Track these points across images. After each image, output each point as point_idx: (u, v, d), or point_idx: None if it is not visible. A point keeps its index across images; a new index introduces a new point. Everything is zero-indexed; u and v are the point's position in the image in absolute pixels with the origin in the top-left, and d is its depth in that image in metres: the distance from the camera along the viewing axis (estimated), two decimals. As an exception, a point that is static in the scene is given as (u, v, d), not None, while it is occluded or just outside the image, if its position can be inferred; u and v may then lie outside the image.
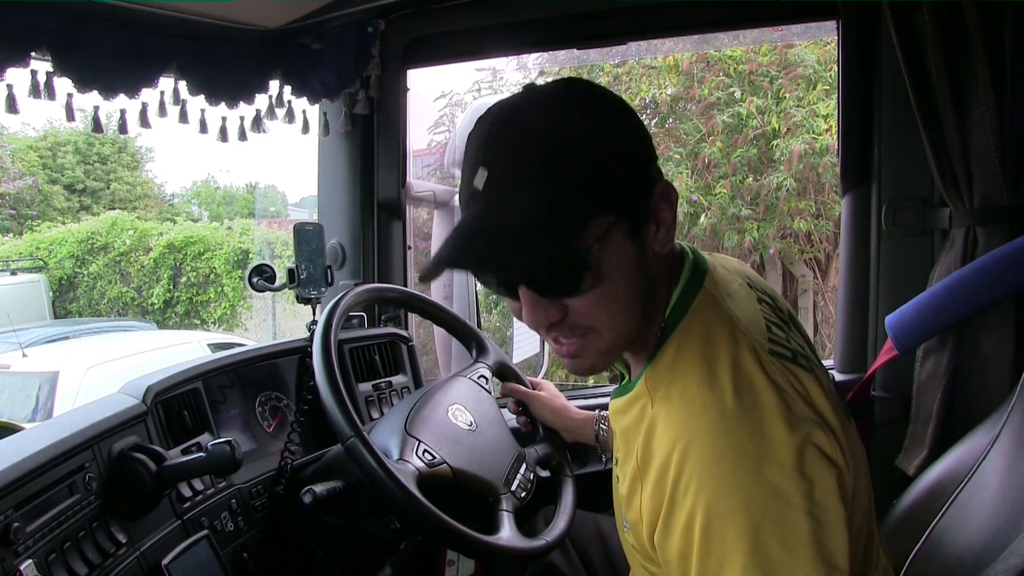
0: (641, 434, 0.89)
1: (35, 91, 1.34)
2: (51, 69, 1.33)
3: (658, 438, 0.85)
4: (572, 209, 0.82)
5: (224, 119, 1.69)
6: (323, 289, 1.70)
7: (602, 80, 6.82)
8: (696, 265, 0.96)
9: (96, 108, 1.50)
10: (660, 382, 0.90)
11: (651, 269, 0.90)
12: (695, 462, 0.80)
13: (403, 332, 1.84)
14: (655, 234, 0.89)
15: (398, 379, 1.76)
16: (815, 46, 5.97)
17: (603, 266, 0.84)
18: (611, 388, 2.33)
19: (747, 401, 0.82)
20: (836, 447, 0.83)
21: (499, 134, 0.84)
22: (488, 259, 0.86)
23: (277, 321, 11.31)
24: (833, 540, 0.77)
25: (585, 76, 6.69)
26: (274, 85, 1.74)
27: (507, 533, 1.23)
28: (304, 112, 1.83)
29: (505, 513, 1.27)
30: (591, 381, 6.33)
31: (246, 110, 1.71)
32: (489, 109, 0.87)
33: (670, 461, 0.81)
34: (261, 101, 1.72)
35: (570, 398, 2.04)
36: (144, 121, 1.54)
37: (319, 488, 1.20)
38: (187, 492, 1.25)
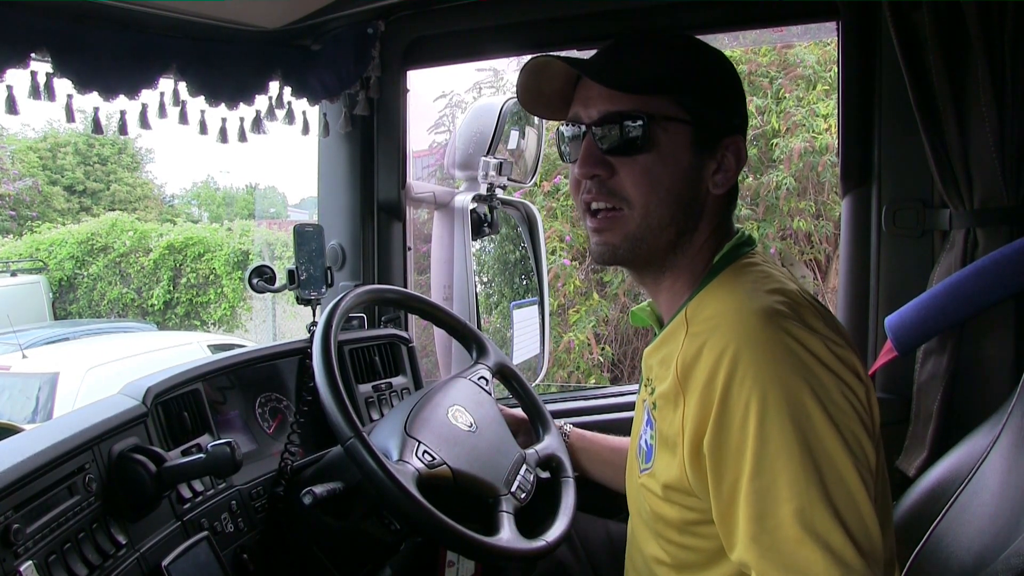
0: (678, 356, 0.92)
1: (35, 92, 1.34)
2: (51, 70, 1.33)
3: (703, 353, 0.89)
4: (659, 82, 0.97)
5: (224, 120, 1.69)
6: (323, 290, 1.70)
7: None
8: (751, 238, 1.05)
9: (96, 109, 1.49)
10: (700, 309, 0.96)
11: (699, 196, 0.99)
12: (748, 361, 0.84)
13: (403, 333, 1.84)
14: (713, 172, 1.00)
15: (398, 380, 1.76)
16: (815, 46, 5.97)
17: (657, 142, 0.96)
18: (611, 388, 2.33)
19: (791, 309, 0.88)
20: (870, 406, 0.91)
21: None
22: (596, 72, 0.99)
23: (277, 322, 11.32)
24: (860, 440, 0.85)
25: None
26: (274, 86, 1.74)
27: (507, 534, 1.23)
28: (304, 113, 1.83)
29: (505, 514, 1.27)
30: (591, 381, 6.34)
31: (246, 111, 1.70)
32: None
33: (720, 365, 0.86)
34: (261, 102, 1.72)
35: (571, 399, 2.05)
36: (144, 122, 1.54)
37: (319, 489, 1.19)
38: (187, 493, 1.25)
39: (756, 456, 0.83)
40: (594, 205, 1.00)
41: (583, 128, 1.00)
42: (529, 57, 1.02)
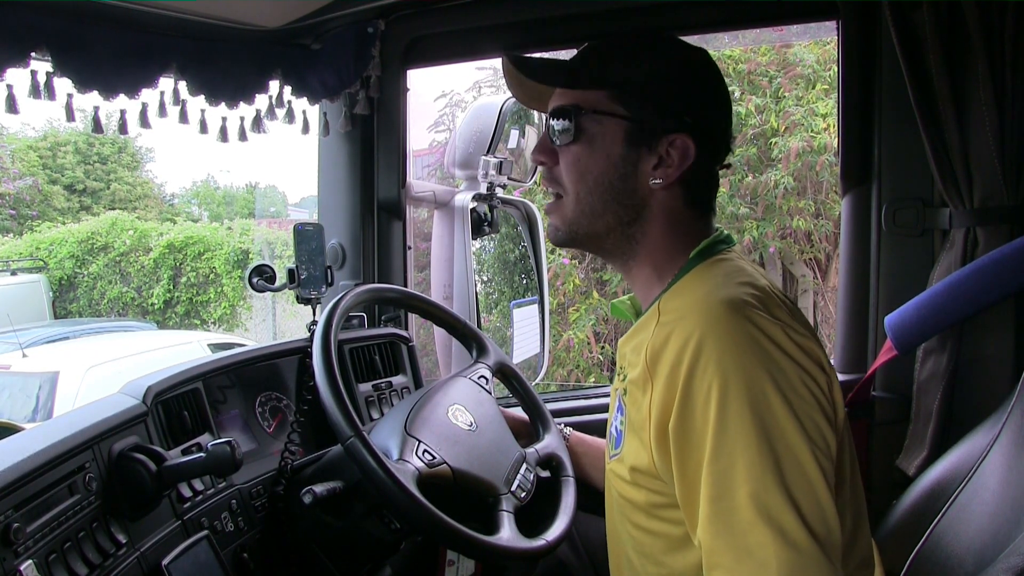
0: (648, 344, 0.95)
1: (35, 91, 1.34)
2: (51, 69, 1.33)
3: (670, 340, 0.91)
4: (595, 78, 1.04)
5: (224, 119, 1.69)
6: (323, 289, 1.70)
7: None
8: (729, 237, 1.09)
9: (96, 108, 1.49)
10: (671, 300, 1.00)
11: (637, 188, 1.04)
12: (711, 347, 0.87)
13: (403, 332, 1.84)
14: (653, 166, 1.03)
15: (398, 379, 1.76)
16: (814, 45, 5.97)
17: (588, 134, 1.03)
18: (609, 388, 2.33)
19: (757, 300, 0.92)
20: (832, 396, 0.94)
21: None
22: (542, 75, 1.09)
23: (277, 321, 11.32)
24: (820, 427, 0.87)
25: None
26: (274, 85, 1.73)
27: (507, 533, 1.23)
28: (304, 112, 1.83)
29: (505, 513, 1.27)
30: (591, 379, 6.34)
31: (246, 110, 1.70)
32: None
33: (685, 351, 0.88)
34: (261, 101, 1.72)
35: (571, 397, 2.05)
36: (144, 121, 1.54)
37: (319, 488, 1.19)
38: (187, 492, 1.24)
39: (716, 440, 0.86)
40: (549, 190, 1.09)
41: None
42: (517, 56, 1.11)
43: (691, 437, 0.88)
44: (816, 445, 0.86)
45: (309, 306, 1.70)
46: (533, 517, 1.38)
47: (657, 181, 1.03)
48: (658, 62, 1.06)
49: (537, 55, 1.14)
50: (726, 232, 1.09)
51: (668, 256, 1.06)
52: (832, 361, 1.85)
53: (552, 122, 1.05)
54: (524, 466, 1.40)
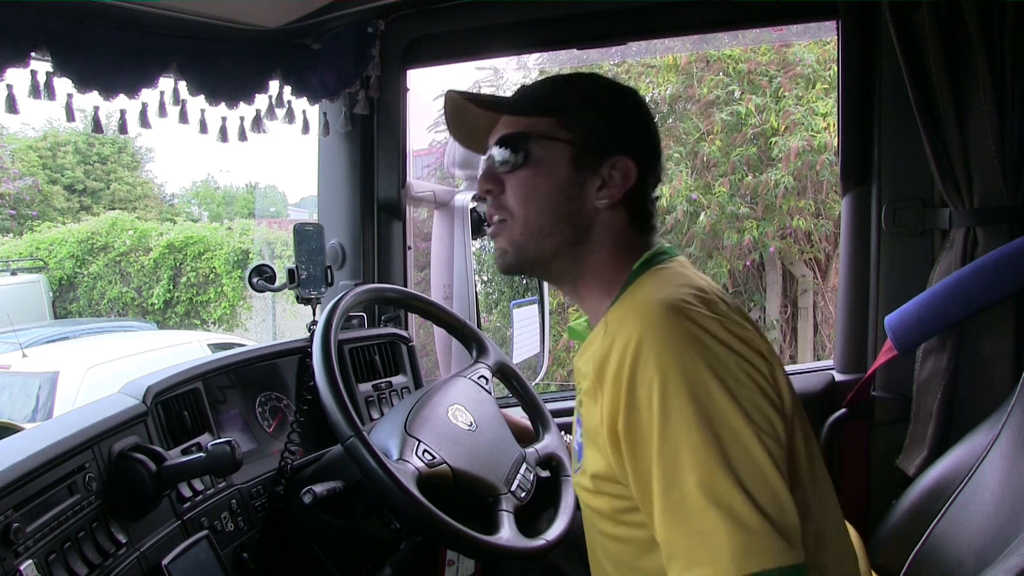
0: (597, 352, 0.98)
1: (35, 91, 1.34)
2: (51, 69, 1.33)
3: (614, 346, 0.94)
4: (541, 106, 1.09)
5: (224, 119, 1.69)
6: (323, 289, 1.70)
7: (602, 79, 6.81)
8: (671, 249, 1.13)
9: (96, 108, 1.49)
10: (616, 310, 1.03)
11: (583, 209, 1.08)
12: (650, 345, 0.90)
13: (403, 332, 1.84)
14: (597, 188, 1.08)
15: (398, 379, 1.76)
16: (814, 45, 5.97)
17: (536, 158, 1.07)
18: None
19: (694, 298, 0.95)
20: (776, 382, 0.96)
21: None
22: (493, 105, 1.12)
23: (277, 321, 11.31)
24: (764, 412, 0.90)
25: (585, 76, 6.69)
26: (274, 85, 1.73)
27: (507, 533, 1.23)
28: (304, 112, 1.83)
29: (505, 513, 1.27)
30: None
31: (246, 110, 1.70)
32: None
33: (627, 352, 0.91)
34: (261, 101, 1.72)
35: (571, 397, 2.05)
36: (144, 121, 1.54)
37: (319, 488, 1.20)
38: (187, 492, 1.24)
39: (661, 433, 0.88)
40: (492, 219, 1.11)
41: (487, 153, 1.13)
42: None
43: (639, 434, 0.91)
44: (761, 428, 0.88)
45: (309, 306, 1.70)
46: (533, 517, 1.38)
47: (602, 202, 1.08)
48: (597, 92, 1.14)
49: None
50: (668, 246, 1.13)
51: (614, 274, 1.09)
52: (832, 361, 1.86)
53: (498, 150, 1.10)
54: (524, 466, 1.40)
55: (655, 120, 1.17)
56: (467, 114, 1.14)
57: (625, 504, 1.00)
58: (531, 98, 1.12)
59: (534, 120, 1.09)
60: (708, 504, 0.84)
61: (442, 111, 1.17)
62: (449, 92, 1.12)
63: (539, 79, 1.22)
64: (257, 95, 1.70)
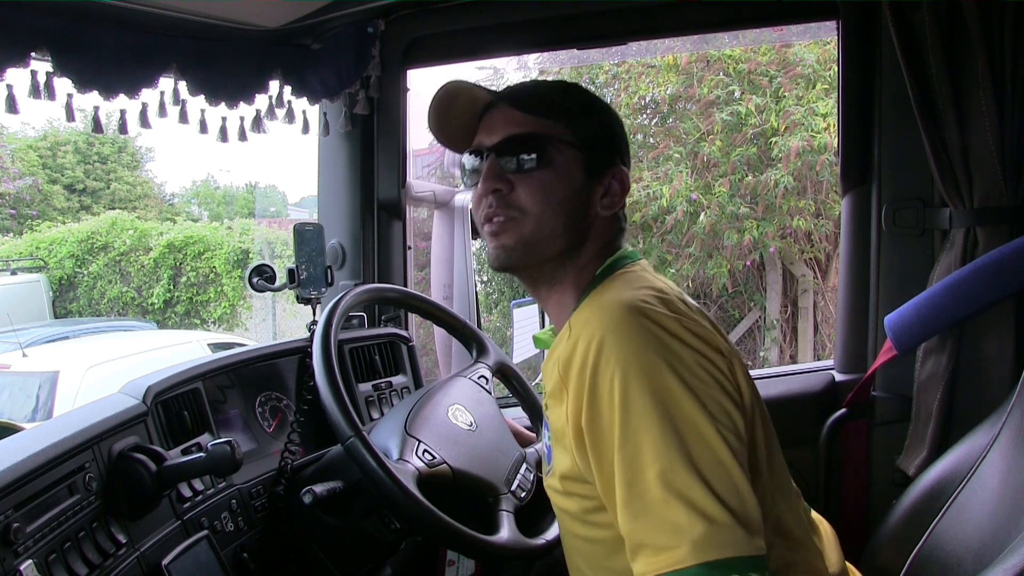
0: (562, 354, 0.99)
1: (35, 91, 1.34)
2: (51, 69, 1.33)
3: (577, 346, 0.96)
4: (556, 109, 1.09)
5: (224, 119, 1.69)
6: (323, 289, 1.70)
7: (601, 78, 6.82)
8: (634, 253, 1.14)
9: (96, 108, 1.49)
10: (580, 314, 1.04)
11: (588, 215, 1.10)
12: (611, 344, 0.92)
13: (403, 332, 1.84)
14: (601, 196, 1.10)
15: (398, 379, 1.76)
16: (814, 45, 5.97)
17: (553, 161, 1.07)
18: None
19: (654, 299, 0.97)
20: (735, 378, 0.98)
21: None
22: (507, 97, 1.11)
23: (277, 321, 11.31)
24: (723, 406, 0.91)
25: (584, 75, 6.70)
26: (274, 85, 1.73)
27: (507, 533, 1.23)
28: (304, 112, 1.83)
29: (505, 513, 1.27)
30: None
31: (246, 110, 1.70)
32: None
33: (589, 352, 0.93)
34: (261, 101, 1.72)
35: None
36: (144, 121, 1.54)
37: (319, 488, 1.20)
38: (187, 492, 1.24)
39: (622, 428, 0.89)
40: (495, 218, 1.10)
41: (486, 151, 1.11)
42: (443, 84, 1.12)
43: (601, 430, 0.92)
44: (720, 423, 0.89)
45: (309, 306, 1.70)
46: (533, 517, 1.38)
47: (606, 211, 1.11)
48: (594, 101, 1.16)
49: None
50: (631, 250, 1.15)
51: (587, 278, 1.11)
52: (832, 361, 1.86)
53: (508, 150, 1.09)
54: (524, 466, 1.40)
55: None
56: (452, 109, 1.14)
57: (592, 504, 1.01)
58: (542, 100, 1.12)
59: (545, 122, 1.09)
60: (669, 496, 0.85)
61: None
62: (451, 81, 1.11)
63: (534, 81, 1.23)
64: (257, 95, 1.70)
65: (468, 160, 1.15)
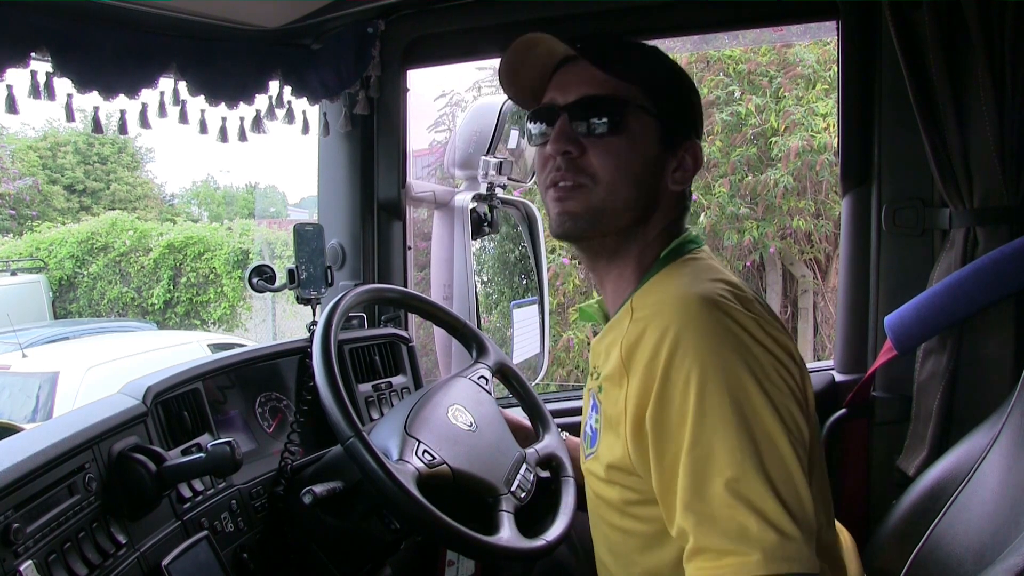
0: (622, 340, 0.96)
1: (35, 91, 1.34)
2: (51, 69, 1.33)
3: (646, 334, 0.93)
4: (635, 73, 1.02)
5: (224, 119, 1.69)
6: (323, 290, 1.70)
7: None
8: (697, 238, 1.10)
9: (96, 108, 1.49)
10: (644, 297, 1.01)
11: (658, 188, 1.05)
12: (688, 339, 0.89)
13: (403, 333, 1.84)
14: (673, 169, 1.05)
15: (398, 380, 1.76)
16: (814, 45, 5.97)
17: (629, 128, 1.01)
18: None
19: (730, 295, 0.94)
20: (804, 388, 0.96)
21: None
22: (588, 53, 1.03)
23: (277, 322, 11.31)
24: (794, 416, 0.89)
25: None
26: (274, 85, 1.73)
27: (507, 533, 1.23)
28: (304, 112, 1.83)
29: (505, 513, 1.27)
30: (591, 381, 6.33)
31: (246, 110, 1.70)
32: None
33: (663, 343, 0.90)
34: (261, 101, 1.72)
35: (571, 397, 2.05)
36: (144, 121, 1.54)
37: (319, 488, 1.19)
38: (187, 493, 1.24)
39: (695, 428, 0.87)
40: (561, 182, 1.03)
41: (558, 110, 1.04)
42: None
43: (669, 427, 0.90)
44: (792, 433, 0.88)
45: (309, 306, 1.70)
46: (533, 517, 1.38)
47: (676, 185, 1.06)
48: (673, 67, 1.09)
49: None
50: (694, 233, 1.10)
51: (651, 256, 1.07)
52: (832, 361, 1.86)
53: (582, 111, 1.02)
54: (524, 466, 1.40)
55: None
56: (528, 59, 1.07)
57: (636, 496, 0.99)
58: (626, 60, 1.05)
59: (624, 85, 1.02)
60: (738, 503, 0.83)
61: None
62: (528, 35, 1.05)
63: (617, 36, 1.16)
64: (257, 95, 1.70)
65: (539, 112, 1.08)
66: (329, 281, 1.71)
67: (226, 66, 1.60)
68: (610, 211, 1.03)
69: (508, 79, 1.11)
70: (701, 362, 0.87)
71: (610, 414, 1.01)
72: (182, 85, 1.56)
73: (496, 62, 1.13)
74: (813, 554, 0.84)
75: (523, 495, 1.34)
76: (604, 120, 1.01)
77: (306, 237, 1.69)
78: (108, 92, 1.40)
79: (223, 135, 1.70)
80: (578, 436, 1.56)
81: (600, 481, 1.05)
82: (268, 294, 1.89)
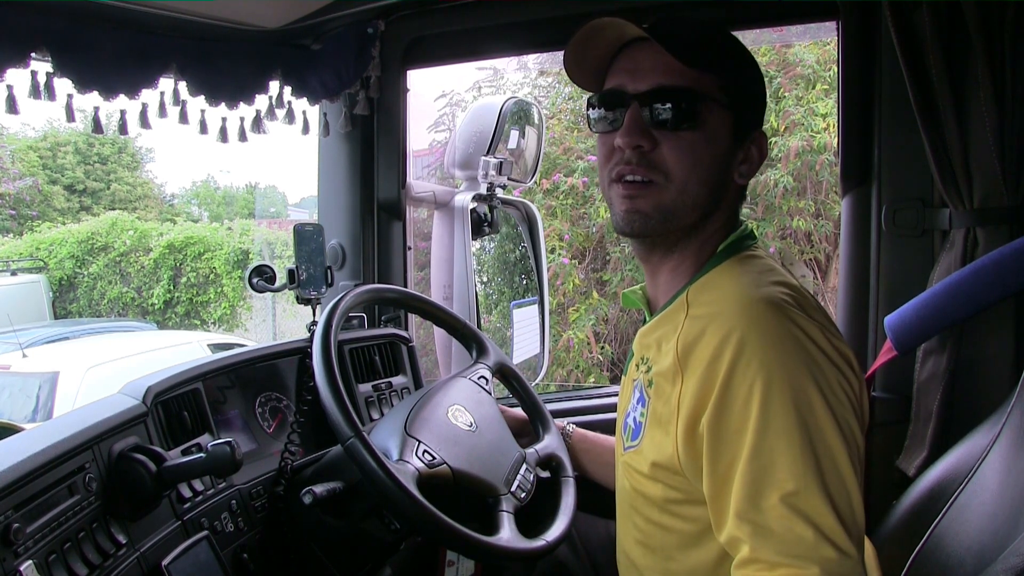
0: (678, 336, 0.94)
1: (35, 92, 1.34)
2: (51, 70, 1.33)
3: (706, 334, 0.90)
4: (711, 62, 0.97)
5: (224, 120, 1.69)
6: (323, 290, 1.70)
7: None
8: (753, 232, 1.07)
9: (96, 109, 1.49)
10: (701, 293, 0.97)
11: (726, 183, 1.00)
12: (754, 345, 0.85)
13: (403, 333, 1.84)
14: (740, 162, 1.02)
15: (398, 380, 1.76)
16: (814, 46, 5.97)
17: (704, 122, 0.96)
18: (611, 387, 2.32)
19: (794, 300, 0.90)
20: (862, 400, 0.92)
21: None
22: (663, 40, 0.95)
23: (277, 322, 11.31)
24: (853, 429, 0.87)
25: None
26: (274, 86, 1.74)
27: (507, 534, 1.23)
28: (304, 113, 1.83)
29: (505, 514, 1.27)
30: (591, 380, 6.34)
31: (246, 111, 1.70)
32: None
33: (725, 347, 0.87)
34: (261, 102, 1.72)
35: (571, 397, 2.05)
36: (144, 122, 1.54)
37: (319, 489, 1.19)
38: (187, 493, 1.25)
39: (756, 438, 0.85)
40: (630, 176, 0.98)
41: (628, 98, 0.98)
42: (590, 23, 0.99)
43: (727, 434, 0.87)
44: (850, 447, 0.86)
45: (309, 306, 1.70)
46: (533, 517, 1.38)
47: (743, 179, 1.03)
48: (743, 54, 1.04)
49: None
50: (750, 227, 1.07)
51: (709, 251, 1.03)
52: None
53: (656, 103, 0.96)
54: (524, 466, 1.40)
55: None
56: (595, 41, 1.00)
57: (681, 496, 0.97)
58: (702, 47, 0.98)
59: (701, 76, 0.96)
60: (798, 518, 0.82)
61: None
62: (599, 19, 0.97)
63: (690, 19, 1.08)
64: (257, 95, 1.70)
65: (604, 99, 1.02)
66: (329, 281, 1.71)
67: (226, 66, 1.60)
68: (680, 210, 0.99)
69: (575, 61, 1.04)
70: (767, 370, 0.85)
71: (661, 412, 0.98)
72: (182, 85, 1.56)
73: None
74: (864, 565, 0.83)
75: (523, 495, 1.34)
76: (680, 113, 0.95)
77: (306, 237, 1.69)
78: (108, 92, 1.40)
79: (223, 135, 1.70)
80: (583, 428, 1.57)
81: (641, 476, 1.03)
82: (268, 294, 1.89)
